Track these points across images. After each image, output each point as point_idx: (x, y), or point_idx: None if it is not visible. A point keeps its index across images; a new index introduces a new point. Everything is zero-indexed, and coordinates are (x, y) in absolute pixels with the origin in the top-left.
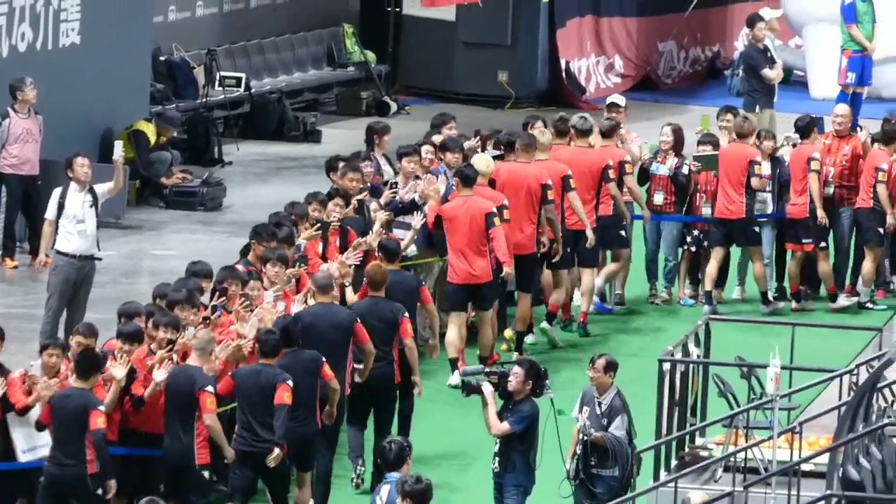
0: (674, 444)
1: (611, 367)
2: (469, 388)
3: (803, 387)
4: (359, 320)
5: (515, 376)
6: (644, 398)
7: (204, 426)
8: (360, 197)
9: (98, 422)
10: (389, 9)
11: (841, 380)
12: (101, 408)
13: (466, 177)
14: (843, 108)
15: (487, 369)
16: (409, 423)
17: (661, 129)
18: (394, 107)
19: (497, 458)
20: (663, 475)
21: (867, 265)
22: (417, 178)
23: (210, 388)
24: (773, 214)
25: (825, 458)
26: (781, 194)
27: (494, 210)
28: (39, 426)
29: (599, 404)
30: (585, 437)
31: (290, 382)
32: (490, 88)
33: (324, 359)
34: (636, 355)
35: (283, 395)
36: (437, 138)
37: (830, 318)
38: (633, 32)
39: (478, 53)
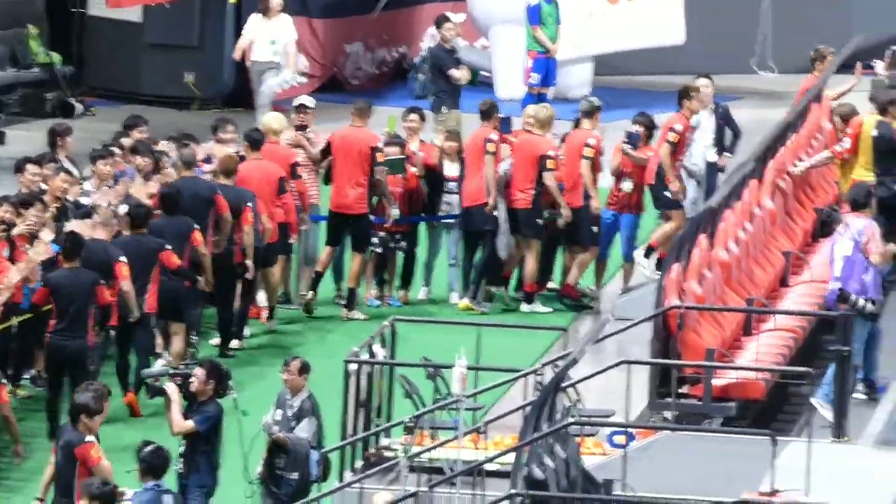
0: (359, 444)
1: (305, 369)
2: (153, 390)
3: (489, 387)
4: (219, 192)
5: (197, 377)
6: (332, 399)
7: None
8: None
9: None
10: (74, 10)
11: (526, 380)
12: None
13: (254, 140)
14: (534, 110)
15: (171, 370)
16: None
17: None
18: (79, 108)
19: (181, 460)
20: (348, 476)
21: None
22: (114, 180)
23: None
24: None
25: (510, 458)
26: None
27: (285, 175)
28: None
29: (291, 406)
30: (270, 437)
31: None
32: (176, 90)
33: (196, 225)
34: (325, 356)
35: (172, 259)
36: (126, 141)
37: (517, 319)
38: (319, 33)
39: (164, 54)
